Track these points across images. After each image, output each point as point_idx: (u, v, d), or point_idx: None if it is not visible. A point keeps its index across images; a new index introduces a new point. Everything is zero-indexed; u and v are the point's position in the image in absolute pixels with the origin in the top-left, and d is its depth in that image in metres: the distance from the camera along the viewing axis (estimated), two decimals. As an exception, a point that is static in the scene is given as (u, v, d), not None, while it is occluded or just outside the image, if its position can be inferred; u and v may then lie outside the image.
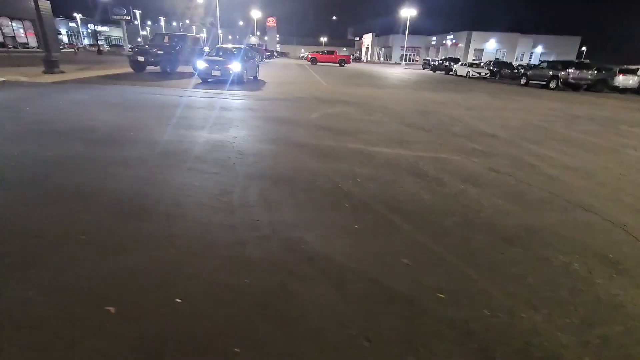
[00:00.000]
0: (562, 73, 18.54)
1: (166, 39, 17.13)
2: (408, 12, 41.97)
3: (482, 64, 29.31)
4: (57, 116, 5.65)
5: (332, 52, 37.73)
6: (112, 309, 1.54)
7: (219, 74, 12.83)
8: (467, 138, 5.88)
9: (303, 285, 1.84)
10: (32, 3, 32.94)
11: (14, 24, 32.79)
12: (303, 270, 1.98)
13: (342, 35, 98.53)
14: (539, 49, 55.73)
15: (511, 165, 4.43)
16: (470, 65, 28.16)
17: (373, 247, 2.28)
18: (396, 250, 2.24)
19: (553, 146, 5.64)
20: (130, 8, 46.14)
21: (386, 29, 67.20)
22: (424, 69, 40.04)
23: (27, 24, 34.67)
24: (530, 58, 54.15)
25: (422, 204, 3.03)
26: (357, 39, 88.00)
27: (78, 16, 56.74)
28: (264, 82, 14.24)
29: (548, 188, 3.64)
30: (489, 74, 26.31)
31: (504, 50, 51.09)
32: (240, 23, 66.44)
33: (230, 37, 78.41)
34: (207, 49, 19.30)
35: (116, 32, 68.98)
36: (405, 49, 45.12)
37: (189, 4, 46.04)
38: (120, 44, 56.03)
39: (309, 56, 38.68)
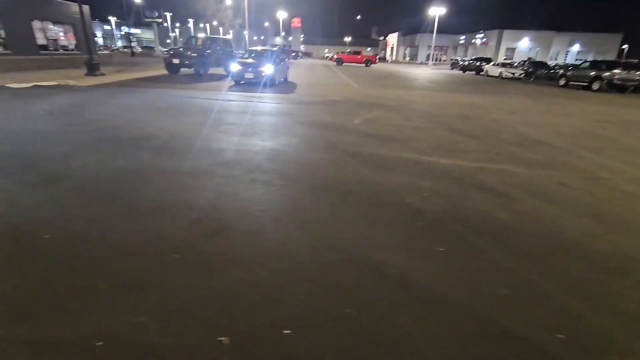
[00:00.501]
0: (607, 74, 17.50)
1: (199, 41, 17.53)
2: (437, 11, 41.00)
3: (515, 64, 28.18)
4: (115, 123, 5.82)
5: (357, 53, 37.44)
6: (225, 340, 1.51)
7: (252, 77, 12.96)
8: (521, 146, 5.60)
9: (407, 318, 1.75)
10: (72, 8, 34.67)
11: (55, 28, 34.50)
12: (401, 299, 1.89)
13: (366, 35, 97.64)
14: (576, 48, 53.10)
15: (580, 178, 4.16)
16: (503, 65, 27.13)
17: (466, 274, 2.16)
18: (492, 279, 2.11)
19: (618, 156, 5.27)
20: (162, 10, 47.54)
21: (412, 28, 66.05)
22: (452, 69, 39.02)
23: (67, 27, 36.41)
24: (565, 57, 51.69)
25: (499, 224, 2.87)
26: (382, 38, 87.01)
27: (113, 19, 59.21)
28: (295, 85, 14.24)
29: (630, 206, 3.38)
30: (523, 75, 25.25)
31: (538, 49, 48.97)
32: (266, 24, 67.18)
33: (255, 37, 79.43)
34: (241, 52, 19.58)
35: (147, 34, 71.38)
36: (432, 48, 44.09)
37: (218, 6, 46.92)
38: (151, 45, 57.86)
39: (335, 56, 38.57)
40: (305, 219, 2.75)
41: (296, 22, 72.04)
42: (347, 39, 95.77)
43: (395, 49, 70.29)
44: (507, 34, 49.82)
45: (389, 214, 2.94)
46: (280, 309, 1.74)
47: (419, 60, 60.75)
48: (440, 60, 59.52)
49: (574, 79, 19.64)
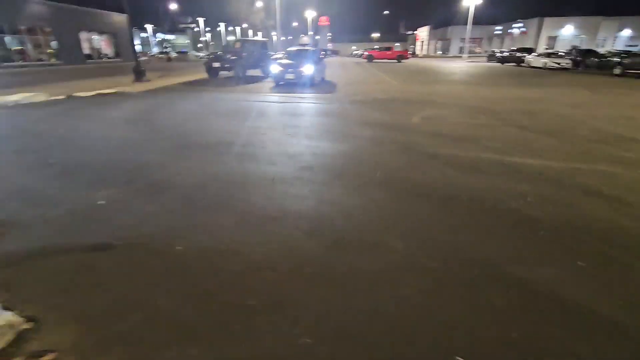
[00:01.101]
0: (674, 60, 16.02)
1: (237, 44, 17.83)
2: (472, 1, 39.36)
3: (561, 53, 26.47)
4: (188, 128, 5.94)
5: (388, 48, 36.74)
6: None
7: (293, 77, 12.98)
8: (606, 144, 5.16)
9: (588, 347, 1.58)
10: (113, 18, 36.20)
11: (99, 38, 36.42)
12: (570, 324, 1.71)
13: (394, 30, 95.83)
14: (626, 33, 49.15)
15: (696, 179, 3.74)
16: (548, 55, 25.58)
17: (629, 295, 1.94)
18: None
19: None
20: (195, 16, 49.24)
21: (443, 21, 63.95)
22: (489, 62, 37.36)
23: (109, 37, 38.31)
24: (613, 43, 47.98)
25: (630, 233, 2.60)
26: (410, 32, 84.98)
27: (150, 27, 61.99)
28: (334, 84, 14.10)
29: None
30: (570, 64, 23.66)
31: (583, 36, 45.75)
32: (295, 24, 67.56)
33: (282, 38, 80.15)
34: (278, 55, 19.72)
35: (180, 40, 74.06)
36: (467, 40, 42.33)
37: (251, 9, 47.68)
38: (184, 50, 59.87)
39: (365, 53, 38.04)
40: (418, 228, 2.62)
41: (324, 21, 71.86)
42: (375, 35, 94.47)
43: (425, 43, 68.32)
44: (548, 21, 46.89)
45: (501, 221, 2.75)
46: (445, 333, 1.63)
47: (451, 54, 58.72)
48: (474, 52, 57.14)
49: (633, 67, 18.13)
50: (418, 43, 72.84)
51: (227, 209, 2.87)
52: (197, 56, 54.93)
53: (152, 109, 7.93)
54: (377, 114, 7.40)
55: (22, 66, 25.27)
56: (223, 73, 17.06)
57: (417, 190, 3.35)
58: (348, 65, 30.44)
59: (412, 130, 5.90)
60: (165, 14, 43.69)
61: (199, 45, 74.69)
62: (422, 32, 69.79)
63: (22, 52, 26.71)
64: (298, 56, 14.89)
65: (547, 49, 39.25)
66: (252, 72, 17.10)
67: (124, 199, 3.09)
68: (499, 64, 32.24)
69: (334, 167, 3.95)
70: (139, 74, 15.35)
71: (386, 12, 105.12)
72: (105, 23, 35.34)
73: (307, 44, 43.60)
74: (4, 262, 2.12)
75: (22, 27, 26.67)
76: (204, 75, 17.05)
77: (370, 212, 2.89)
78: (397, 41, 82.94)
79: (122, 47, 38.05)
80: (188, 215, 2.75)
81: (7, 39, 26.36)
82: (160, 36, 74.61)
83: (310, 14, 57.21)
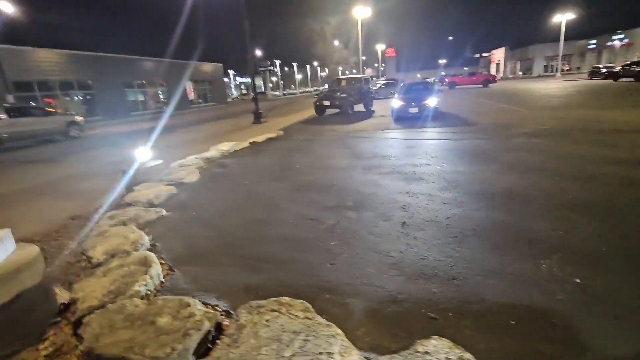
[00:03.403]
0: None
1: (343, 82, 18.34)
2: (564, 17, 36.56)
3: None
4: (425, 172, 5.46)
5: (473, 74, 35.38)
6: None
7: (417, 111, 12.63)
8: None
9: None
10: (208, 68, 40.37)
11: (199, 86, 40.94)
12: None
13: (460, 54, 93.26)
14: None
15: None
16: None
17: None
18: None
19: None
20: (273, 59, 53.55)
21: (523, 40, 60.46)
22: (591, 79, 33.66)
23: (207, 84, 42.85)
24: None
25: None
26: (481, 55, 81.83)
27: (231, 72, 69.31)
28: (455, 115, 13.36)
29: None
30: None
31: None
32: (364, 58, 69.51)
33: (347, 72, 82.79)
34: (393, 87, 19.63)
35: (257, 81, 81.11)
36: (560, 58, 38.95)
37: (334, 49, 50.19)
38: (262, 91, 64.99)
39: (447, 80, 37.08)
40: None
41: (390, 52, 72.98)
42: (442, 61, 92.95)
43: (502, 64, 64.88)
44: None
45: None
46: None
47: (535, 74, 54.68)
48: (562, 70, 52.46)
49: None
50: (493, 65, 69.52)
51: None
52: (274, 95, 59.10)
53: (371, 148, 8.01)
54: (588, 147, 6.25)
55: (143, 114, 29.28)
56: (329, 110, 17.56)
57: None
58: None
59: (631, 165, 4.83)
60: (251, 59, 48.15)
61: (270, 85, 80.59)
62: (498, 54, 66.61)
63: (144, 102, 31.10)
64: (416, 90, 14.67)
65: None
66: (356, 108, 17.28)
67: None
68: (607, 81, 28.65)
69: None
70: (257, 116, 16.42)
71: (450, 38, 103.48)
72: (202, 72, 40.03)
73: (372, 76, 43.93)
74: None
75: (143, 82, 31.22)
76: (306, 113, 17.65)
77: None
78: (466, 65, 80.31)
79: (216, 92, 42.51)
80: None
81: (132, 92, 30.91)
82: (238, 79, 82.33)
83: (380, 47, 58.43)
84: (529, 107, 14.02)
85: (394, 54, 73.42)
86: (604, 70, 32.83)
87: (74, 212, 4.62)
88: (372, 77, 43.80)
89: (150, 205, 4.46)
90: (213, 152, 7.57)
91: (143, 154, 5.68)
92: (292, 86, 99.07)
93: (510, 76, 60.21)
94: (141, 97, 30.82)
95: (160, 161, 5.93)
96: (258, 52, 48.43)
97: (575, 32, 52.20)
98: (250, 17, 15.98)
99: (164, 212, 4.17)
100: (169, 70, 33.63)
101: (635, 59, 31.97)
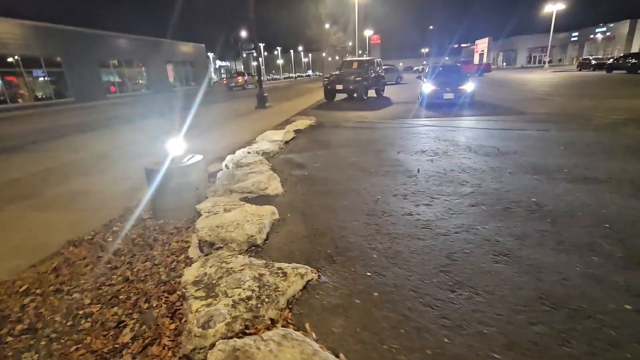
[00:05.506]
0: None
1: (355, 64, 16.63)
2: (554, 7, 36.59)
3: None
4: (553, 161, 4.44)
5: (467, 62, 34.81)
6: None
7: (452, 97, 11.43)
8: None
9: None
10: (190, 48, 37.45)
11: (181, 68, 37.80)
12: None
13: (442, 44, 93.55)
14: None
15: None
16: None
17: None
18: None
19: None
20: (256, 42, 50.47)
21: (504, 31, 60.87)
22: (580, 70, 34.09)
23: (189, 65, 39.60)
24: None
25: None
26: (464, 45, 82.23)
27: (211, 55, 65.36)
28: (489, 103, 12.18)
29: None
30: None
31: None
32: (350, 44, 67.35)
33: (330, 58, 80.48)
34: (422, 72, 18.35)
35: (238, 65, 77.58)
36: (549, 49, 39.20)
37: (327, 31, 47.68)
38: (250, 72, 61.85)
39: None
40: None
41: (375, 39, 71.38)
42: (424, 50, 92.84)
43: (485, 55, 65.16)
44: (640, 24, 42.59)
45: None
46: None
47: (518, 65, 55.34)
48: (542, 62, 53.28)
49: None
50: (476, 55, 69.87)
51: None
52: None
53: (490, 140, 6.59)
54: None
55: (121, 97, 26.36)
56: (339, 95, 16.08)
57: None
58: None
59: None
60: (235, 41, 44.93)
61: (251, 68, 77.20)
62: (482, 45, 66.81)
63: (121, 84, 28.00)
64: (447, 72, 13.36)
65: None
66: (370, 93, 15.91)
67: None
68: (600, 73, 28.88)
69: None
70: (262, 101, 14.69)
71: (431, 27, 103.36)
72: (184, 53, 36.91)
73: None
74: None
75: (121, 61, 28.03)
76: (309, 99, 16.06)
77: None
78: (447, 55, 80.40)
79: (198, 74, 39.48)
80: None
81: (107, 72, 27.64)
82: (218, 63, 78.18)
83: (368, 33, 56.65)
84: (559, 95, 13.21)
85: (379, 41, 71.82)
86: (593, 62, 33.26)
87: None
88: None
89: (252, 245, 2.54)
90: (266, 144, 5.74)
91: (177, 146, 3.92)
92: (273, 72, 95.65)
93: (493, 67, 60.68)
94: (118, 78, 27.71)
95: (199, 156, 4.05)
96: (243, 34, 45.47)
97: (557, 25, 53.05)
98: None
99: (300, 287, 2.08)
100: (148, 49, 30.51)
101: (616, 52, 32.47)
